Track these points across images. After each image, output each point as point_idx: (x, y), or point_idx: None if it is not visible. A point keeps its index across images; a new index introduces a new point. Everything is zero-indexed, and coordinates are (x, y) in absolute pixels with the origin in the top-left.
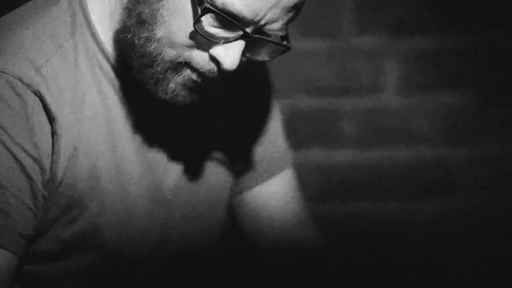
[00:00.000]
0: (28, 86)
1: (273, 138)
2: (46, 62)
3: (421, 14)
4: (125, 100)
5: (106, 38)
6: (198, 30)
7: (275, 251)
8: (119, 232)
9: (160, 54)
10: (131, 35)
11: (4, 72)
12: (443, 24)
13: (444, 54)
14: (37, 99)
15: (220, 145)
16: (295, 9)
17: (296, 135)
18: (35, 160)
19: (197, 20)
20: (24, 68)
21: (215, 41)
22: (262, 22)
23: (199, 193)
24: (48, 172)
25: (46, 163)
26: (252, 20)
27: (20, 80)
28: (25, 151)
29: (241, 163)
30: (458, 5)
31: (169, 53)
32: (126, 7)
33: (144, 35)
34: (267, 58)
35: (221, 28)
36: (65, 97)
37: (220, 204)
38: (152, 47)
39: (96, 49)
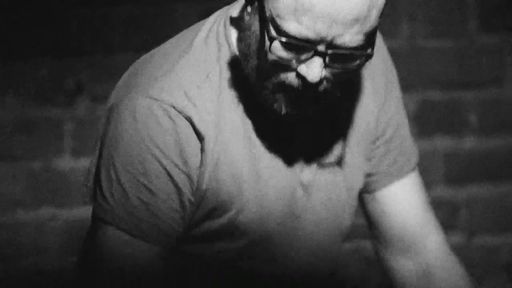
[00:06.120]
0: (180, 112)
1: (404, 140)
2: (196, 89)
3: None
4: (259, 116)
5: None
6: (274, 56)
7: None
8: (257, 225)
9: (260, 81)
10: (244, 67)
11: (160, 100)
12: None
13: None
14: (188, 123)
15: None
16: (359, 23)
17: (426, 125)
18: (184, 172)
19: (270, 48)
20: (177, 97)
21: (292, 63)
22: (329, 39)
23: (334, 183)
24: (195, 182)
25: (194, 175)
26: (318, 39)
27: (173, 107)
28: (175, 165)
29: (375, 160)
30: None
31: (266, 79)
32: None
33: (249, 66)
34: (356, 67)
35: (295, 50)
36: (211, 119)
37: (353, 192)
38: (255, 76)
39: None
